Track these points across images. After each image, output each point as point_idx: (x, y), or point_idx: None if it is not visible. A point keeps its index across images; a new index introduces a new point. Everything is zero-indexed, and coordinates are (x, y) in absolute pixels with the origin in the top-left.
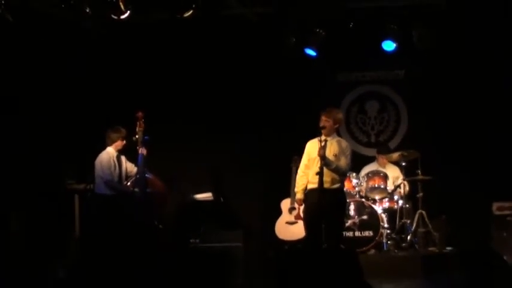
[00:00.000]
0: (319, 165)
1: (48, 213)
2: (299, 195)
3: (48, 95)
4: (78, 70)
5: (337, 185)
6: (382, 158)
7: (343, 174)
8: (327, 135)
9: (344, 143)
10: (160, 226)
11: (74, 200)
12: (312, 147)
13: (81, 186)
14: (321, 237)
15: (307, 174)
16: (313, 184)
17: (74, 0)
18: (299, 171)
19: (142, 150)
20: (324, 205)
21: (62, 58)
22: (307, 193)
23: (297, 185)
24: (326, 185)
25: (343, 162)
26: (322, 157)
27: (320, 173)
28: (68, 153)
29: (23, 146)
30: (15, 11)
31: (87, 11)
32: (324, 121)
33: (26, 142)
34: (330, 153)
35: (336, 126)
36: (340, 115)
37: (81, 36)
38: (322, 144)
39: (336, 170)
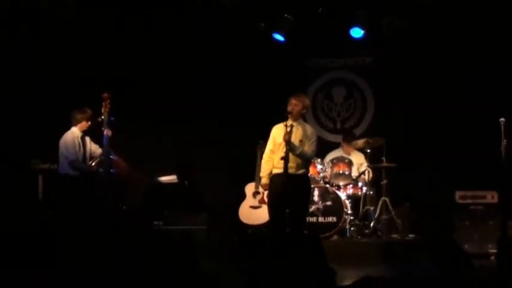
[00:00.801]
0: (284, 150)
1: (11, 194)
2: (264, 180)
3: (13, 74)
4: (44, 49)
5: (302, 171)
6: (347, 145)
7: (308, 160)
8: (294, 120)
9: (310, 129)
10: (124, 207)
11: (37, 180)
12: (277, 132)
13: (45, 166)
14: (284, 222)
15: (272, 159)
16: (278, 169)
17: None
18: (264, 155)
19: (107, 132)
20: (288, 190)
21: (25, 36)
22: (272, 178)
23: (262, 169)
24: (291, 171)
25: (308, 147)
26: (287, 142)
27: (285, 158)
28: (33, 132)
29: None
30: None
31: None
32: (294, 105)
33: None
34: (295, 138)
35: (304, 111)
36: (308, 101)
37: (47, 14)
38: (288, 129)
39: (301, 156)
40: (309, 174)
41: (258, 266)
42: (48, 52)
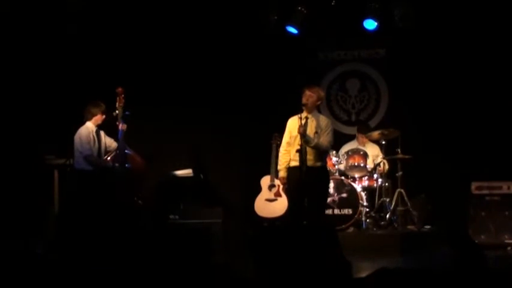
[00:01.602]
0: (299, 142)
1: (27, 188)
2: (282, 173)
3: (29, 70)
4: (58, 44)
5: (319, 163)
6: (362, 137)
7: (324, 152)
8: (309, 112)
9: (325, 120)
10: (140, 202)
11: (53, 175)
12: (293, 124)
13: (61, 161)
14: (302, 215)
15: (289, 151)
16: (295, 162)
17: None
18: (281, 148)
19: (122, 126)
20: (306, 183)
21: (40, 32)
22: (289, 171)
23: (279, 162)
24: (309, 163)
25: (324, 139)
26: (302, 135)
27: (300, 151)
28: (48, 127)
29: (1, 121)
30: None
31: None
32: (308, 96)
33: (4, 116)
34: (310, 130)
35: (318, 103)
36: (323, 93)
37: (61, 10)
38: (303, 121)
39: (317, 147)
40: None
41: (274, 260)
42: (62, 47)
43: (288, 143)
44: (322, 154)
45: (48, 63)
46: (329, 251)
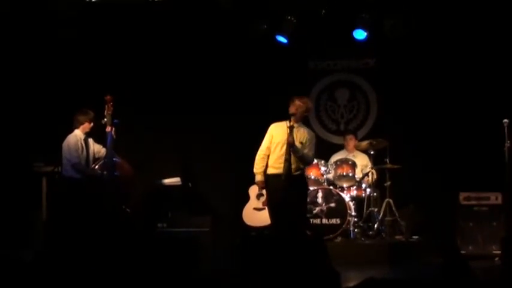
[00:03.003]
0: (283, 151)
1: (15, 195)
2: (259, 177)
3: (18, 77)
4: (47, 52)
5: (299, 171)
6: (350, 140)
7: (308, 163)
8: (296, 121)
9: (310, 133)
10: (128, 210)
11: (41, 183)
12: (276, 130)
13: (49, 168)
14: (287, 224)
15: (266, 156)
16: (275, 169)
17: None
18: (260, 152)
19: (111, 131)
20: (289, 192)
21: (28, 39)
22: (269, 178)
23: (256, 166)
24: (293, 172)
25: (309, 151)
26: (291, 144)
27: (288, 160)
28: (36, 135)
29: None
30: None
31: None
32: (298, 105)
33: None
34: (296, 140)
35: (306, 114)
36: (311, 104)
37: (52, 17)
38: (289, 130)
39: (302, 158)
40: (312, 176)
41: (262, 269)
42: (52, 54)
43: (268, 148)
44: (303, 163)
45: (38, 71)
46: (317, 260)
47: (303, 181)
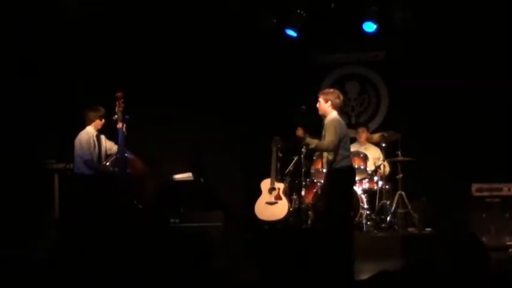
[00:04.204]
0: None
1: (28, 193)
2: None
3: (30, 73)
4: (58, 48)
5: (330, 167)
6: (362, 132)
7: (327, 150)
8: (322, 115)
9: (330, 121)
10: (140, 206)
11: (53, 180)
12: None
13: (61, 165)
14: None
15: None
16: None
17: None
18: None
19: (122, 127)
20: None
21: (40, 35)
22: None
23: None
24: (325, 167)
25: (325, 139)
26: (299, 139)
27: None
28: (48, 132)
29: (2, 126)
30: None
31: None
32: (319, 102)
33: (5, 121)
34: (323, 134)
35: (328, 104)
36: (332, 95)
37: (60, 14)
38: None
39: (319, 149)
40: (324, 169)
41: (274, 263)
42: (63, 51)
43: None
44: (332, 156)
45: (49, 68)
46: (329, 254)
47: (330, 175)
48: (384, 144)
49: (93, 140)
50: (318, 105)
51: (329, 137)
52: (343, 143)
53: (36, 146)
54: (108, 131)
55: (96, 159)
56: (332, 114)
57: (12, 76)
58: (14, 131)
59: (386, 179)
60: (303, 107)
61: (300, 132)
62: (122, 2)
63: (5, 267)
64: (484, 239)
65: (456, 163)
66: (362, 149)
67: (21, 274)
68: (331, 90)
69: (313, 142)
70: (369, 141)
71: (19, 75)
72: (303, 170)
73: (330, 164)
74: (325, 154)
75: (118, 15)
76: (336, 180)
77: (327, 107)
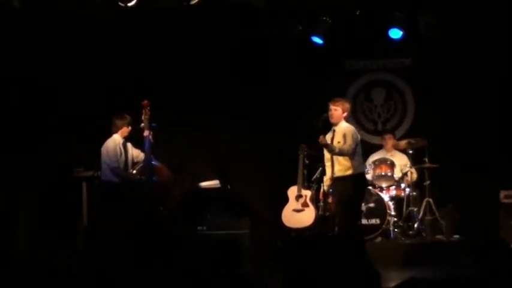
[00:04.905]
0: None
1: (56, 200)
2: (325, 188)
3: (57, 83)
4: (84, 57)
5: (349, 172)
6: (388, 139)
7: (348, 155)
8: (335, 124)
9: (346, 127)
10: (167, 213)
11: (81, 187)
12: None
13: (89, 173)
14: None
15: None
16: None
17: None
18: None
19: (149, 135)
20: (334, 193)
21: (67, 45)
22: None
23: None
24: (339, 173)
25: (345, 144)
26: (324, 145)
27: (322, 160)
28: (76, 140)
29: (31, 135)
30: None
31: None
32: (333, 110)
33: (34, 130)
34: (335, 141)
35: (344, 115)
36: (348, 104)
37: (88, 23)
38: (331, 134)
39: (340, 154)
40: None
41: (302, 270)
42: (89, 59)
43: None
44: (350, 163)
45: (76, 76)
46: (356, 261)
47: (350, 182)
48: (410, 151)
49: (120, 148)
50: (330, 113)
51: (348, 141)
52: (358, 148)
53: (64, 154)
54: (135, 138)
55: (123, 166)
56: (345, 122)
57: (40, 84)
58: (43, 139)
59: (413, 185)
60: (325, 114)
61: (322, 138)
62: (147, 10)
63: (34, 273)
64: None
65: (484, 169)
66: (389, 156)
67: (50, 280)
68: (344, 99)
69: (335, 148)
70: (396, 148)
71: (47, 84)
72: None
73: (346, 169)
74: (338, 160)
75: (143, 23)
76: (358, 185)
77: (342, 116)
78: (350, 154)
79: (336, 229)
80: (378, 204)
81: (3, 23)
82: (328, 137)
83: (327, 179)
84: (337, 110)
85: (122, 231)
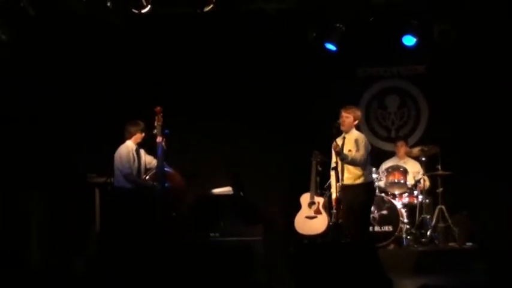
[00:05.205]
0: (335, 160)
1: (69, 207)
2: (333, 195)
3: (71, 90)
4: (97, 64)
5: (359, 180)
6: (401, 146)
7: (359, 165)
8: (346, 131)
9: (359, 135)
10: (180, 220)
11: (94, 193)
12: (335, 145)
13: (102, 179)
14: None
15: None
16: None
17: None
18: (331, 171)
19: (162, 142)
20: (344, 201)
21: (84, 52)
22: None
23: (332, 185)
24: (348, 181)
25: (357, 153)
26: (338, 152)
27: (335, 168)
28: (89, 146)
29: (44, 140)
30: (37, 3)
31: (108, 5)
32: (344, 117)
33: (47, 136)
34: (346, 148)
35: (356, 122)
36: (359, 112)
37: (101, 29)
38: (341, 141)
39: (352, 163)
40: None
41: (314, 277)
42: (102, 66)
43: (335, 162)
44: (360, 171)
45: (88, 83)
46: (369, 268)
47: (361, 190)
48: (423, 158)
49: (133, 154)
50: (342, 120)
51: (361, 151)
52: (368, 157)
53: (77, 159)
54: (148, 145)
55: (136, 173)
56: (356, 130)
57: (53, 90)
58: (56, 145)
59: (426, 193)
60: (338, 121)
61: (336, 145)
62: (161, 17)
63: (47, 279)
64: None
65: (497, 177)
66: (401, 163)
67: (63, 286)
68: (355, 107)
69: (348, 156)
70: (408, 155)
71: (59, 89)
72: None
73: (356, 178)
74: (348, 168)
75: (156, 30)
76: (368, 193)
77: (353, 123)
78: (362, 164)
79: (347, 236)
80: (390, 212)
81: (18, 30)
82: (339, 143)
83: (335, 186)
84: (349, 117)
85: (135, 237)
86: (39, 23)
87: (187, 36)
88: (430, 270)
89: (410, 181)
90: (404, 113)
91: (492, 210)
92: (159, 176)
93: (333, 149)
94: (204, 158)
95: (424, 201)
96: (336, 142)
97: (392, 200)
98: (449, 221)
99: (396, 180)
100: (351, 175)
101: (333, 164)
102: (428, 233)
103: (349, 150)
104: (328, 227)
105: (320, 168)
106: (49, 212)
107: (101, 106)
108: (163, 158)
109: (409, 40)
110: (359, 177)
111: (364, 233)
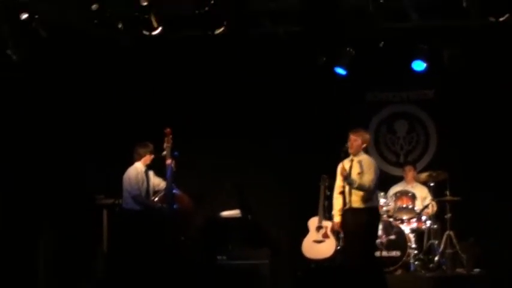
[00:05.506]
0: (342, 184)
1: (77, 228)
2: (337, 218)
3: (79, 111)
4: (106, 86)
5: (365, 204)
6: (409, 171)
7: (367, 191)
8: (354, 154)
9: (368, 160)
10: (188, 242)
11: (102, 215)
12: (342, 168)
13: (110, 201)
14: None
15: (340, 195)
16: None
17: (107, 15)
18: (334, 193)
19: (171, 164)
20: (349, 225)
21: (91, 73)
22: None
23: (333, 207)
24: (355, 205)
25: (366, 178)
26: (345, 177)
27: (343, 193)
28: (97, 168)
29: (53, 161)
30: (49, 26)
31: (120, 27)
32: (353, 140)
33: (55, 157)
34: (354, 172)
35: (364, 146)
36: (368, 135)
37: (111, 50)
38: (349, 165)
39: (360, 188)
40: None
41: None
42: (111, 88)
43: (340, 186)
44: (368, 195)
45: (98, 104)
46: None
47: (367, 214)
48: (432, 184)
49: (142, 176)
50: (350, 143)
51: (370, 176)
52: (378, 182)
53: (85, 181)
54: (157, 167)
55: (145, 194)
56: (365, 153)
57: (62, 113)
58: (64, 167)
59: (434, 218)
60: (347, 145)
61: (344, 172)
62: (170, 39)
63: None
64: None
65: (506, 203)
66: (409, 188)
67: None
68: (364, 130)
69: (355, 181)
70: (416, 180)
71: (68, 112)
72: None
73: (363, 202)
74: (355, 191)
75: (167, 52)
76: (374, 218)
77: (361, 146)
78: (371, 189)
79: (349, 261)
80: (398, 237)
81: (30, 50)
82: (346, 166)
83: (340, 209)
84: (357, 141)
85: (143, 260)
86: (50, 43)
87: (198, 58)
88: None
89: (418, 206)
90: (413, 138)
91: (501, 236)
92: (168, 197)
93: (339, 174)
94: (212, 181)
95: (432, 226)
96: (343, 165)
97: (401, 225)
98: (457, 247)
99: (404, 205)
100: (358, 198)
101: (340, 189)
102: (436, 258)
103: (358, 173)
104: (336, 251)
105: (328, 193)
106: (56, 234)
107: (110, 127)
108: (172, 180)
109: (418, 65)
110: (366, 200)
111: (370, 258)
